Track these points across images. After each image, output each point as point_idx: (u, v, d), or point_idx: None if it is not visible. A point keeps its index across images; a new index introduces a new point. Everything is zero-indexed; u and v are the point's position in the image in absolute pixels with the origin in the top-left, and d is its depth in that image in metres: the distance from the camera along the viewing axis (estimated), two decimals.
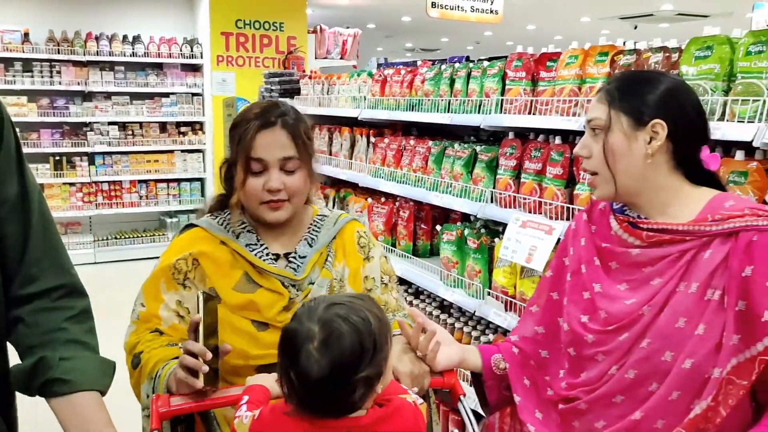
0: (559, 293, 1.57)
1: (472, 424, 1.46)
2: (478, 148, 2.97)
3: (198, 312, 1.33)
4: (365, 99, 3.89)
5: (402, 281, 3.57)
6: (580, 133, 2.49)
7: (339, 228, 1.73)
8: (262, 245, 1.64)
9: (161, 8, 7.98)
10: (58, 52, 7.24)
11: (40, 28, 7.25)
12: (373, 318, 1.19)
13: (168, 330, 1.56)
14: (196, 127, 8.02)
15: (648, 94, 1.37)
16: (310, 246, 1.68)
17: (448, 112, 3.11)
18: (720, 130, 1.81)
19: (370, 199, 3.83)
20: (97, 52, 7.38)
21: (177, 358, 1.41)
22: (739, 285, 1.26)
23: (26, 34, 7.13)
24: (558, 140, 2.52)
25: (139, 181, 7.80)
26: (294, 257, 1.66)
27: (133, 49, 7.55)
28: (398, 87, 3.57)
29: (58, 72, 7.28)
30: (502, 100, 2.74)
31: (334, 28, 8.37)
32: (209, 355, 1.31)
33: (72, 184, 7.50)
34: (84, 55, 7.33)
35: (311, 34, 8.17)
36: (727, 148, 1.96)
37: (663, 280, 1.34)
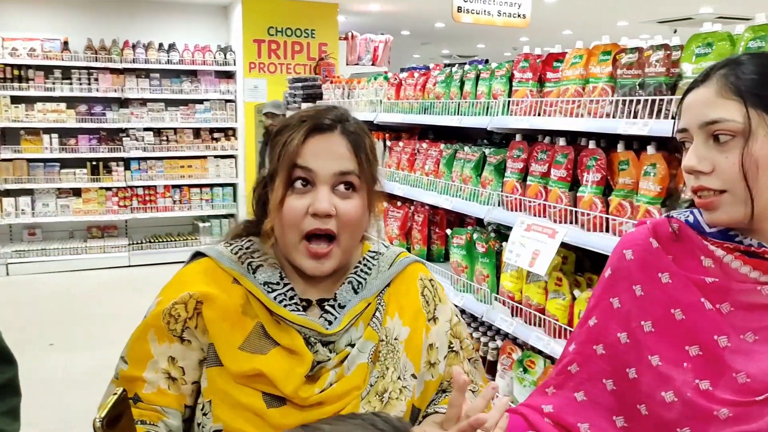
0: (605, 346, 1.20)
1: None
2: (487, 151, 2.93)
3: None
4: (381, 102, 3.89)
5: None
6: (586, 135, 2.45)
7: (396, 272, 1.29)
8: (286, 285, 1.20)
9: (195, 17, 8.15)
10: (96, 60, 7.46)
11: (79, 37, 7.49)
12: None
13: (151, 396, 1.14)
14: (228, 133, 8.14)
15: None
16: (356, 292, 1.23)
17: (458, 114, 3.07)
18: None
19: (386, 203, 3.81)
20: (134, 59, 7.58)
21: None
22: None
23: (66, 43, 7.36)
24: (562, 142, 2.46)
25: (173, 186, 7.96)
26: (332, 306, 1.21)
27: (168, 56, 7.72)
28: (412, 90, 3.55)
29: (96, 79, 7.49)
30: (509, 101, 2.70)
31: (365, 35, 8.40)
32: None
33: (108, 189, 7.69)
34: (121, 62, 7.54)
35: (342, 40, 8.22)
36: None
37: None
